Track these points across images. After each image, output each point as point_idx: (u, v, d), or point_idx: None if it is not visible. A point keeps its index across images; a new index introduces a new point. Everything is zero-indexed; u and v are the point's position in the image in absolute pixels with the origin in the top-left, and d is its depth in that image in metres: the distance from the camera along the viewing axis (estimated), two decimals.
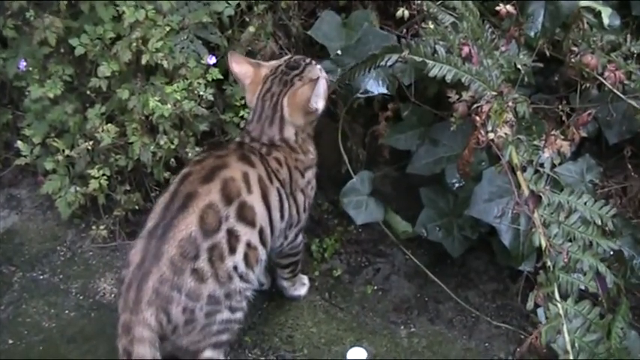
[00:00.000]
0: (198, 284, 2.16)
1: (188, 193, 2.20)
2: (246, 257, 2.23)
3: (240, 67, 2.37)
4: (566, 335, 1.93)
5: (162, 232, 2.16)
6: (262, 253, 2.29)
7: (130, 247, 2.24)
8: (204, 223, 2.17)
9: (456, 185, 2.49)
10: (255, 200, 2.25)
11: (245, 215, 2.22)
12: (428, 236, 2.56)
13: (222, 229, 2.19)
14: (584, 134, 2.42)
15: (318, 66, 2.39)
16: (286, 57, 2.43)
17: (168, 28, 2.58)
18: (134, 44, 2.57)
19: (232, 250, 2.21)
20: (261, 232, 2.26)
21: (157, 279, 2.13)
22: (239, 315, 2.27)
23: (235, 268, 2.21)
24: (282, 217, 2.33)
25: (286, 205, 2.34)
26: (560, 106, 2.47)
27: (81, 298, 2.65)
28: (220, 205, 2.19)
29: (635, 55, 2.43)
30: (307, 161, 2.41)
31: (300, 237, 2.47)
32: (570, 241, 2.03)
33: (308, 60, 2.39)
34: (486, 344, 2.47)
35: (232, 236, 2.20)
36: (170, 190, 2.25)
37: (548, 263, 1.97)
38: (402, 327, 2.54)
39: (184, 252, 2.15)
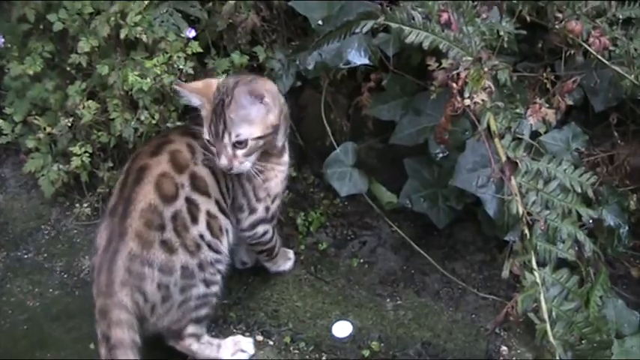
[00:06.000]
0: (169, 256, 2.16)
1: (140, 166, 2.22)
2: (209, 225, 2.23)
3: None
4: (543, 304, 1.91)
5: (122, 208, 2.17)
6: (225, 223, 2.29)
7: (96, 233, 2.24)
8: (161, 190, 2.18)
9: (440, 155, 2.46)
10: (203, 171, 2.25)
11: (198, 185, 2.23)
12: (413, 207, 2.54)
13: (181, 197, 2.20)
14: (569, 102, 2.40)
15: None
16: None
17: (147, 2, 2.55)
18: (112, 18, 2.55)
19: (194, 220, 2.21)
20: (217, 203, 2.27)
21: (126, 256, 2.13)
22: (214, 289, 2.27)
23: (202, 236, 2.22)
24: (227, 192, 2.31)
25: (230, 185, 2.31)
26: (544, 74, 2.43)
27: (65, 276, 2.65)
28: (173, 173, 2.20)
29: (620, 21, 2.38)
30: None
31: (263, 232, 2.39)
32: (549, 208, 2.00)
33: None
34: (473, 315, 2.45)
35: (192, 205, 2.21)
36: (124, 170, 2.28)
37: (525, 231, 1.94)
38: (388, 299, 2.52)
39: (148, 222, 2.15)
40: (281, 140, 2.32)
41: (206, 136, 2.21)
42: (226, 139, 2.17)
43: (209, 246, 2.23)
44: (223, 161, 2.18)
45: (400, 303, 2.51)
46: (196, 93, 2.22)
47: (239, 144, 2.18)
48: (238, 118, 2.16)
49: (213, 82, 2.24)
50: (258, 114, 2.19)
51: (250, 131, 2.18)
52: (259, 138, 2.20)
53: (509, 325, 2.36)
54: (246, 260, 2.58)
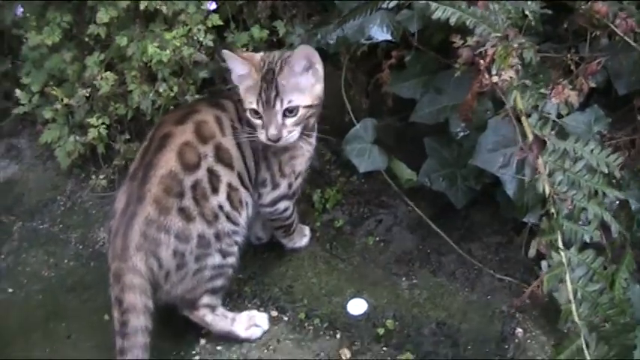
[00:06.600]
0: (186, 224, 2.15)
1: (164, 134, 2.22)
2: (229, 197, 2.23)
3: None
4: (568, 284, 1.89)
5: (143, 173, 2.17)
6: (245, 195, 2.29)
7: (114, 197, 2.24)
8: (183, 159, 2.18)
9: (460, 134, 2.43)
10: (229, 143, 2.25)
11: (222, 157, 2.23)
12: (431, 186, 2.52)
13: (203, 167, 2.20)
14: (592, 84, 2.36)
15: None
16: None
17: None
18: None
19: (215, 190, 2.21)
20: (240, 176, 2.26)
21: (143, 221, 2.12)
22: (231, 260, 2.26)
23: (221, 207, 2.22)
24: (256, 166, 2.31)
25: (257, 158, 2.31)
26: (569, 55, 2.40)
27: (80, 247, 2.65)
28: (196, 143, 2.20)
29: None
30: None
31: (284, 209, 2.40)
32: (575, 189, 1.98)
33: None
34: (488, 297, 2.44)
35: (213, 175, 2.21)
36: (147, 137, 2.28)
37: (552, 210, 1.92)
38: (404, 279, 2.51)
39: (167, 188, 2.15)
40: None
41: (253, 105, 2.20)
42: (278, 106, 2.18)
43: (227, 217, 2.23)
44: (272, 130, 2.19)
45: (415, 282, 2.50)
46: (244, 60, 2.22)
47: (289, 112, 2.19)
48: (290, 86, 2.19)
49: (256, 55, 2.28)
50: (307, 83, 2.23)
51: (302, 98, 2.20)
52: (308, 107, 2.22)
53: (524, 307, 2.35)
54: (261, 235, 2.57)
